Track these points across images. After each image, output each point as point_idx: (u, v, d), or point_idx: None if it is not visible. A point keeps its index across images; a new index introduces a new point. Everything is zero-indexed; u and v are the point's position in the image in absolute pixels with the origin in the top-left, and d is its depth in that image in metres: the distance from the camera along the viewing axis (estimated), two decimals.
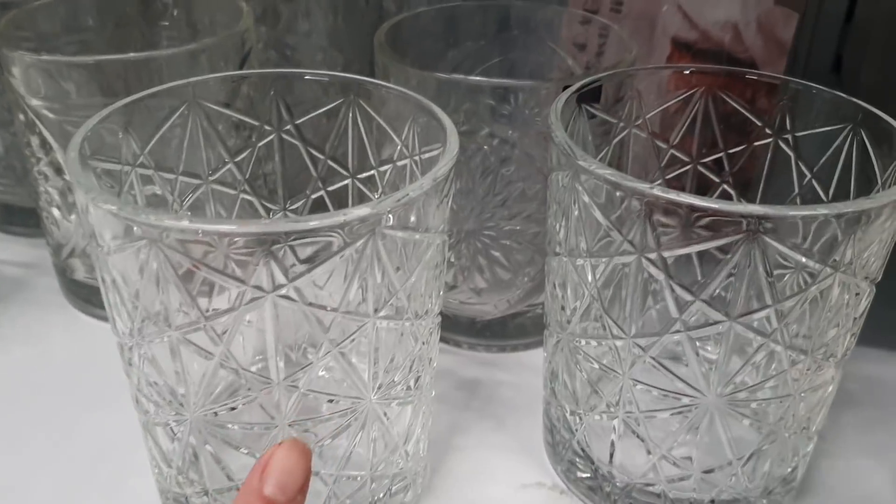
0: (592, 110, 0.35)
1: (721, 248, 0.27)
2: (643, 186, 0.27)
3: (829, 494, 0.37)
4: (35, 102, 0.41)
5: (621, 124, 0.37)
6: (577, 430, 0.35)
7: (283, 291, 0.26)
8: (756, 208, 0.26)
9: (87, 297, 0.47)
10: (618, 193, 0.28)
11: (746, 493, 0.33)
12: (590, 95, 0.35)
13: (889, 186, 0.29)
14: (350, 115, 0.35)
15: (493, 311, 0.43)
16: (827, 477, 0.37)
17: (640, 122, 0.37)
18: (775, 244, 0.26)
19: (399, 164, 0.34)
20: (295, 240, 0.25)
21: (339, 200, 0.37)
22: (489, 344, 0.45)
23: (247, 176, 0.37)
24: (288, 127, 0.36)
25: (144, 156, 0.33)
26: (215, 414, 0.29)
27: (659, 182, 0.38)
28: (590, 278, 0.30)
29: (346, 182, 0.37)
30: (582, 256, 0.31)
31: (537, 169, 0.39)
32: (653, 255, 0.28)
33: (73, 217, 0.45)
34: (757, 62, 0.46)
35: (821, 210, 0.26)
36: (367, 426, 0.30)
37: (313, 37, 0.53)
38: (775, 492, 0.34)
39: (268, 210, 0.38)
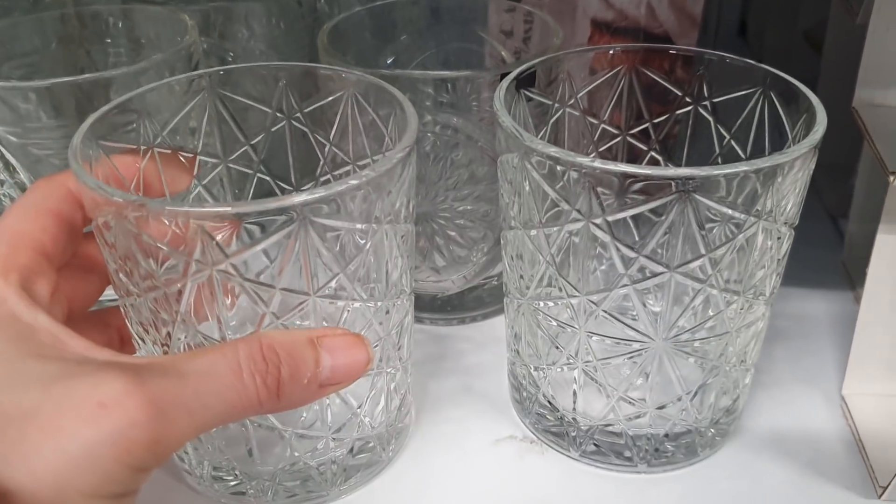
0: (530, 94, 0.39)
1: (657, 209, 0.30)
2: (584, 160, 0.30)
3: (769, 419, 0.41)
4: None
5: (556, 105, 0.40)
6: (541, 385, 0.38)
7: (221, 266, 0.29)
8: (684, 171, 0.29)
9: None
10: (562, 168, 0.31)
11: (697, 425, 0.37)
12: (526, 81, 0.38)
13: (798, 141, 0.32)
14: (349, 106, 0.38)
15: (452, 287, 0.47)
16: (765, 405, 0.42)
17: (572, 101, 0.40)
18: (704, 200, 0.30)
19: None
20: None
21: None
22: (450, 318, 0.48)
23: (262, 157, 0.41)
24: (297, 115, 0.40)
25: (163, 137, 0.37)
26: None
27: (593, 154, 0.42)
28: (544, 246, 0.34)
29: (348, 168, 0.40)
30: (536, 227, 0.34)
31: (482, 151, 0.42)
32: (598, 220, 0.31)
33: None
34: (671, 36, 0.50)
35: (741, 167, 0.29)
36: None
37: (252, 43, 0.55)
38: (721, 422, 0.38)
39: (282, 189, 0.42)
